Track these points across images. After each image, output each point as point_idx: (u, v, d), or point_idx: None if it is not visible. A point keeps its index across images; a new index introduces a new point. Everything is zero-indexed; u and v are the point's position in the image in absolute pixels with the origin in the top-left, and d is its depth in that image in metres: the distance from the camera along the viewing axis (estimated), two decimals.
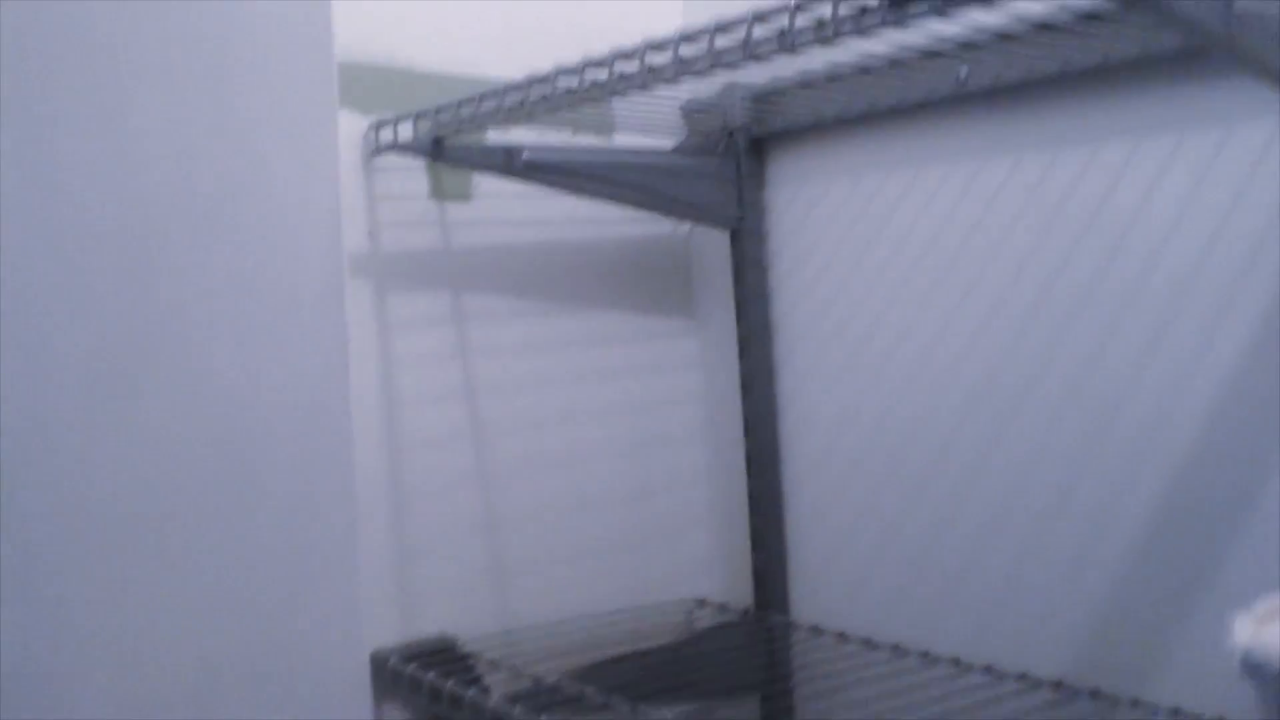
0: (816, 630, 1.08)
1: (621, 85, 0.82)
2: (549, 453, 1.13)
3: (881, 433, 1.07)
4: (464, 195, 1.10)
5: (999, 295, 0.97)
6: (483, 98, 0.94)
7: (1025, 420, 0.95)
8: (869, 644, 1.03)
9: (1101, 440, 0.90)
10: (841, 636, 1.05)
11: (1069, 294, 0.92)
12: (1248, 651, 0.48)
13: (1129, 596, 0.89)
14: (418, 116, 1.00)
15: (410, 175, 1.08)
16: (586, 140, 1.16)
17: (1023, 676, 0.91)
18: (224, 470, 0.92)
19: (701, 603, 1.19)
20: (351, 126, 1.03)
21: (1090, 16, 0.78)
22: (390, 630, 1.03)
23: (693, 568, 1.22)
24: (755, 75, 0.97)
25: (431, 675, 0.94)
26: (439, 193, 1.09)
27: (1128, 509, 0.89)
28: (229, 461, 0.92)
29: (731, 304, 1.17)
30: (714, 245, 1.20)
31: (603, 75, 0.83)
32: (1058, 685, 0.89)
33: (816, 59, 0.86)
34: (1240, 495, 0.83)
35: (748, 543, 1.17)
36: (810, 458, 1.13)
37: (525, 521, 1.12)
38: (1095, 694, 0.86)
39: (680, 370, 1.23)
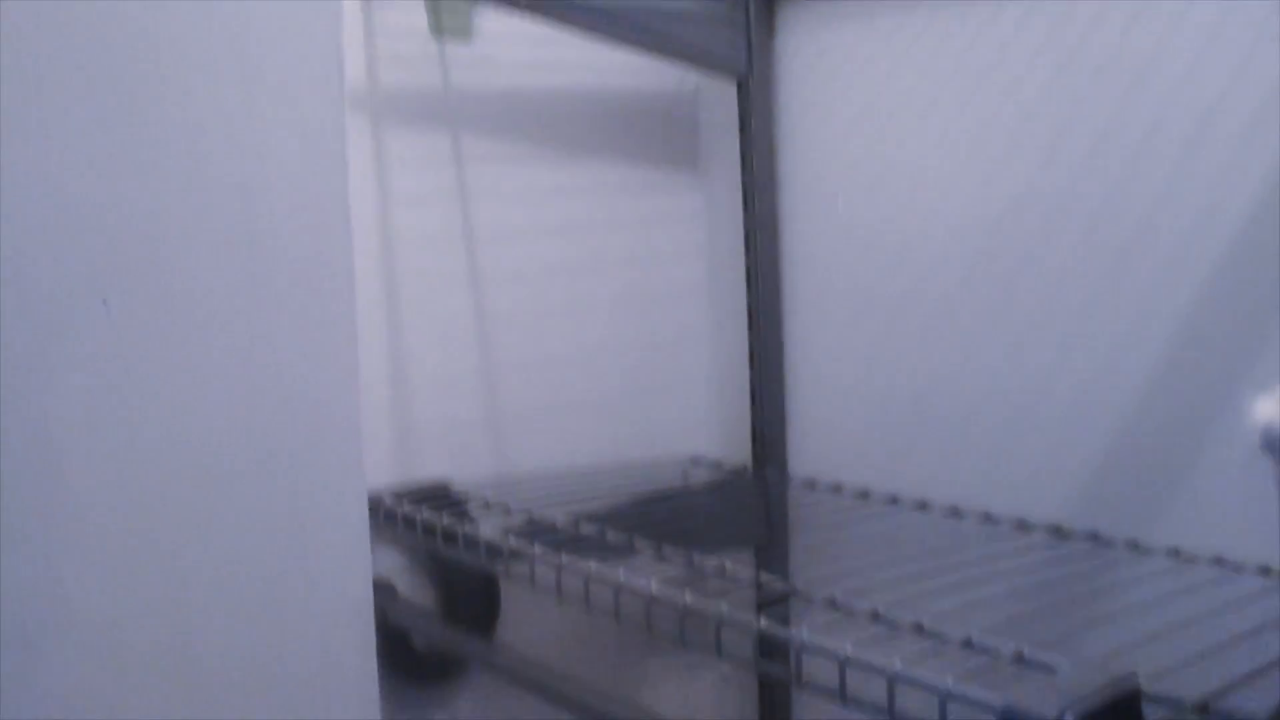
0: (811, 483, 1.07)
1: None
2: (547, 303, 1.11)
3: (885, 285, 1.05)
4: (464, 32, 1.07)
5: (1015, 139, 0.94)
6: None
7: (1034, 269, 0.93)
8: (864, 495, 1.02)
9: (1111, 288, 0.88)
10: (836, 489, 1.05)
11: (1086, 137, 0.89)
12: (1268, 428, 0.47)
13: (1128, 443, 0.88)
14: None
15: (409, 10, 1.04)
16: None
17: (1020, 522, 0.91)
18: (221, 310, 0.89)
19: (697, 460, 1.19)
20: None
21: None
22: (385, 475, 1.03)
23: (690, 425, 1.21)
24: None
25: (426, 512, 0.93)
26: (438, 28, 1.06)
27: (1130, 357, 0.87)
28: (226, 301, 0.89)
29: (737, 159, 1.14)
30: (721, 100, 1.17)
31: None
32: (1056, 529, 0.88)
33: None
34: (1246, 343, 0.81)
35: (746, 400, 1.16)
36: (812, 312, 1.12)
37: (522, 371, 1.10)
38: (1093, 536, 0.86)
39: (683, 224, 1.20)
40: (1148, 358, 0.87)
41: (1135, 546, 0.84)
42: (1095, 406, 0.90)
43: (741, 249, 1.14)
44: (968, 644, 0.62)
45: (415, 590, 1.03)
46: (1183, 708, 0.54)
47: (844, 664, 0.61)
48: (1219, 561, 0.79)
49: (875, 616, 0.67)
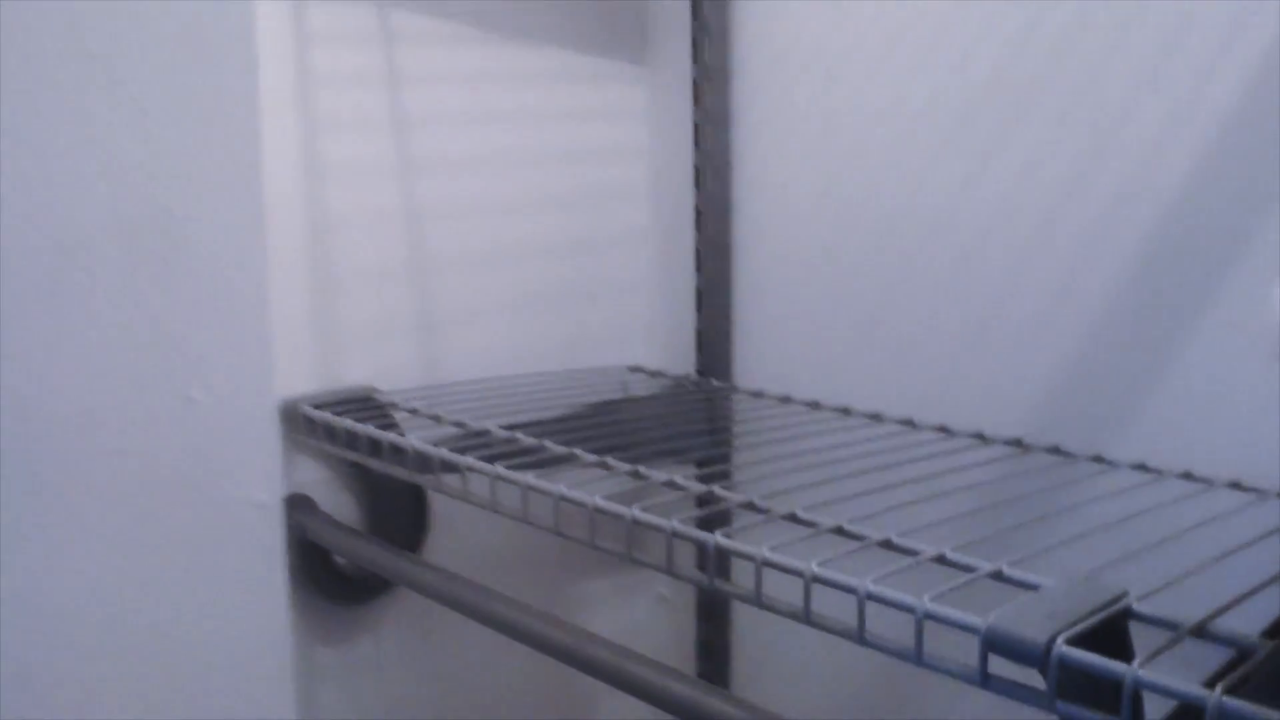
0: (758, 394, 1.03)
1: None
2: (480, 197, 1.04)
3: (841, 184, 0.99)
4: None
5: (985, 24, 0.88)
6: None
7: (997, 164, 0.88)
8: (814, 406, 0.98)
9: (1078, 186, 0.84)
10: (785, 400, 1.00)
11: (1064, 17, 0.83)
12: None
13: (1092, 355, 0.84)
14: None
15: None
16: None
17: (978, 435, 0.87)
18: (113, 199, 0.80)
19: (638, 369, 1.13)
20: None
21: None
22: (304, 380, 0.95)
23: (630, 332, 1.15)
24: None
25: (349, 421, 0.87)
26: None
27: (1095, 263, 0.83)
28: (120, 189, 0.80)
29: (686, 49, 1.07)
30: None
31: None
32: (1016, 443, 0.85)
33: None
34: (1217, 252, 0.78)
35: (690, 307, 1.11)
36: (762, 214, 1.06)
37: (453, 272, 1.03)
38: (1055, 450, 0.82)
39: (628, 117, 1.13)
40: (1105, 269, 0.83)
41: (1099, 459, 0.80)
42: (1055, 316, 0.86)
43: (688, 145, 1.08)
44: (941, 560, 0.58)
45: (338, 505, 0.96)
46: (1178, 629, 0.50)
47: (810, 582, 0.56)
48: (1188, 476, 0.75)
49: (840, 532, 0.62)
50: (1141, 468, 0.78)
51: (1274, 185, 0.74)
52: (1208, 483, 0.74)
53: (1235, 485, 0.73)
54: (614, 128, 1.12)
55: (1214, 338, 0.78)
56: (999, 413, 0.89)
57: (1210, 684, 0.46)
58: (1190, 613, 0.51)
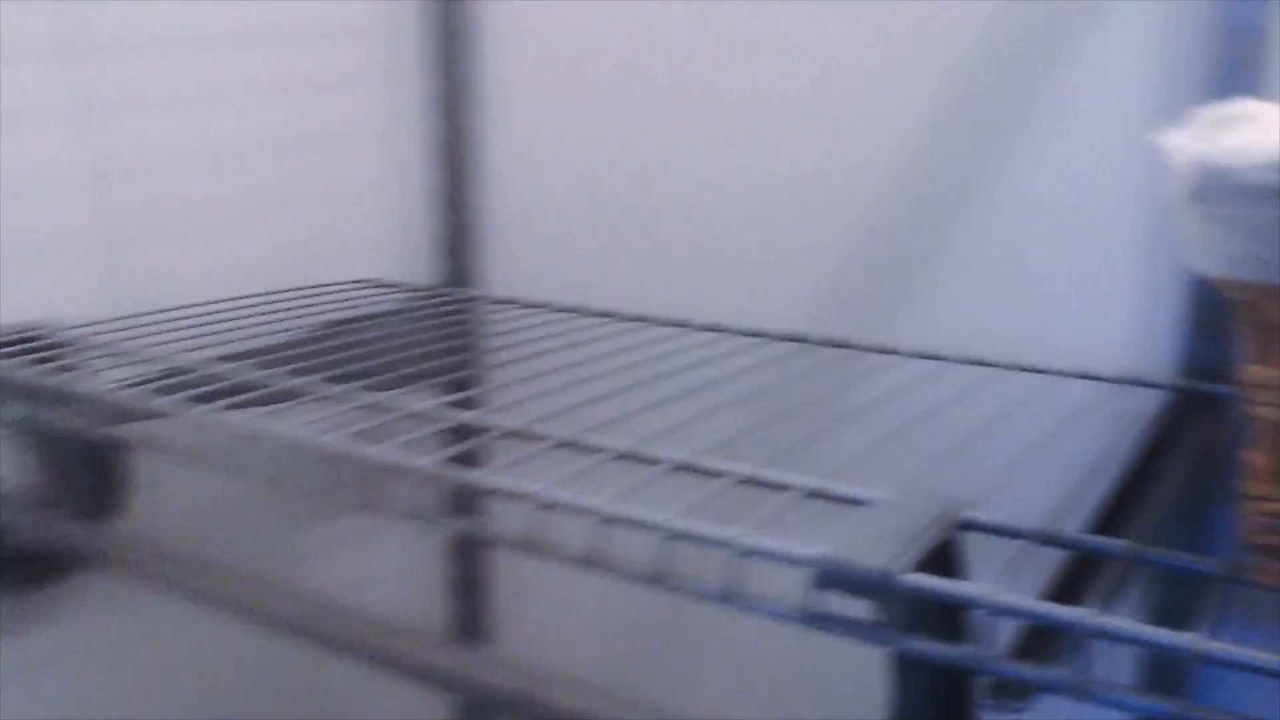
0: (510, 302, 0.92)
1: None
2: (174, 85, 0.87)
3: (597, 64, 0.89)
4: None
5: None
6: None
7: (760, 47, 0.81)
8: (573, 312, 0.88)
9: (849, 59, 0.77)
10: (540, 307, 0.90)
11: None
12: (1202, 164, 0.35)
13: (871, 248, 0.79)
14: None
15: None
16: None
17: (756, 332, 0.80)
18: None
19: (371, 282, 1.00)
20: None
21: None
22: None
23: (361, 240, 1.02)
24: None
25: (13, 365, 0.70)
26: None
27: (866, 145, 0.78)
28: None
29: None
30: None
31: None
32: (796, 339, 0.78)
33: None
34: (999, 124, 0.73)
35: (429, 208, 0.98)
36: (511, 101, 0.95)
37: (140, 176, 0.86)
38: (839, 345, 0.77)
39: None
40: (884, 148, 0.77)
41: (885, 351, 0.75)
42: (830, 200, 0.80)
43: (427, 21, 0.94)
44: (753, 482, 0.50)
45: (6, 473, 0.80)
46: (1026, 537, 0.44)
47: (602, 522, 0.47)
48: (980, 363, 0.71)
49: (626, 458, 0.53)
50: (931, 356, 0.73)
51: (1055, 53, 0.70)
52: (1001, 368, 0.70)
53: (1029, 369, 0.69)
54: (339, 3, 0.96)
55: (996, 213, 0.74)
56: (776, 308, 0.83)
57: (1060, 598, 0.41)
58: (1004, 512, 0.46)
